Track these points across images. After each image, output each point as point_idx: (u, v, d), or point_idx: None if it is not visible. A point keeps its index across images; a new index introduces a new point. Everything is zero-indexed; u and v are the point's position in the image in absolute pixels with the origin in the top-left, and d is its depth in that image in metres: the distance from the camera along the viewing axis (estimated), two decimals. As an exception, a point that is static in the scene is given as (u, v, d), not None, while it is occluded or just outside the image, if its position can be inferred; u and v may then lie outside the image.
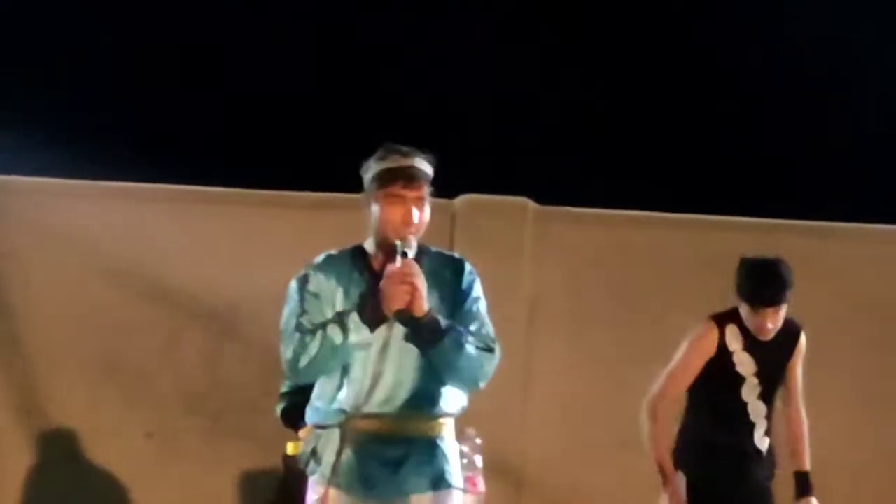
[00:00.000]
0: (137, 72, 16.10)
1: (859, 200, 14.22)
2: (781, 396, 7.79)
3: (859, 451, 11.63)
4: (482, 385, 6.59)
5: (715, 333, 7.40)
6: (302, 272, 6.77)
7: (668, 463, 7.68)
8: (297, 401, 8.44)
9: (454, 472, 6.58)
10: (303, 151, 14.39)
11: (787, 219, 12.17)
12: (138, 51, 16.48)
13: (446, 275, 6.62)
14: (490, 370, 6.54)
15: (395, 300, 6.33)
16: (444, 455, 6.57)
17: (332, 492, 6.59)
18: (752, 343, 7.46)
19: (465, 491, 7.21)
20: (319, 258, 6.79)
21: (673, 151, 15.36)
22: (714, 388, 7.46)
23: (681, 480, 7.66)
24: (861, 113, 16.79)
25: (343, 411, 6.59)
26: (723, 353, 7.39)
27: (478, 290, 6.62)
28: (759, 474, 7.48)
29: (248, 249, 12.02)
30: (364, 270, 6.60)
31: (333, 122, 15.43)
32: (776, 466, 7.67)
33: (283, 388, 8.90)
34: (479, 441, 8.23)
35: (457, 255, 6.79)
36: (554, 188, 12.87)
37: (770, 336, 7.49)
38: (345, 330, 6.45)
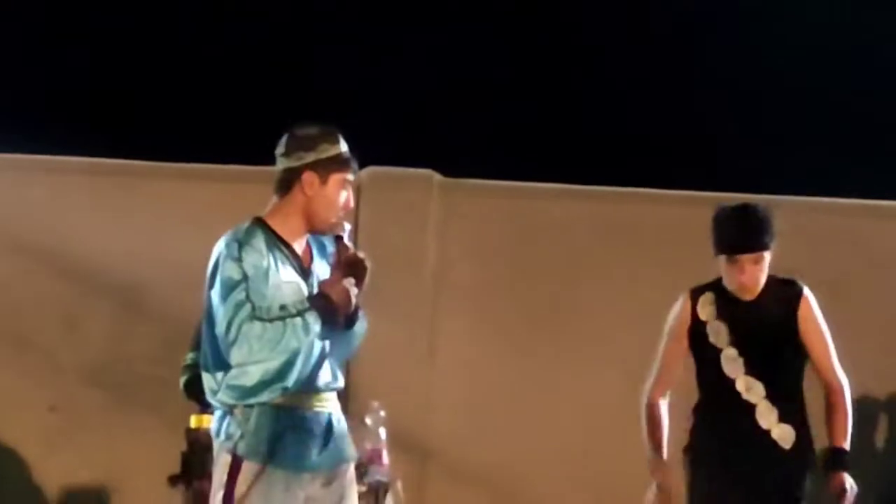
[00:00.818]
0: (44, 41, 15.86)
1: (762, 173, 13.95)
2: (813, 364, 6.81)
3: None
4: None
5: (688, 304, 6.63)
6: (232, 250, 6.56)
7: (658, 455, 6.94)
8: (200, 373, 8.40)
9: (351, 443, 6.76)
10: (212, 125, 14.35)
11: (692, 190, 12.23)
12: (47, 19, 16.22)
13: (329, 248, 6.69)
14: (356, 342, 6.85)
15: (346, 303, 6.44)
16: (345, 428, 6.69)
17: (261, 467, 6.52)
18: (730, 310, 6.56)
19: (369, 464, 7.27)
20: (242, 234, 6.59)
21: (575, 123, 15.39)
22: (699, 365, 6.65)
23: (669, 475, 6.92)
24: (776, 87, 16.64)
25: (281, 389, 6.54)
26: (697, 324, 6.55)
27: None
28: (779, 467, 6.41)
29: (155, 223, 11.99)
30: (282, 245, 6.55)
31: (240, 97, 15.38)
32: (810, 461, 6.61)
33: (187, 361, 8.85)
34: (383, 414, 8.21)
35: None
36: (459, 160, 12.87)
37: (752, 292, 6.65)
38: (306, 327, 6.46)
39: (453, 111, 14.77)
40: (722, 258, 6.64)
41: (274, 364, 6.50)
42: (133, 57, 15.91)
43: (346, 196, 6.54)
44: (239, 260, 6.51)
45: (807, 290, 6.73)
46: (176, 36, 16.22)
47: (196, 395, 8.67)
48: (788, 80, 15.61)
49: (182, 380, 8.65)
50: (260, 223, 6.60)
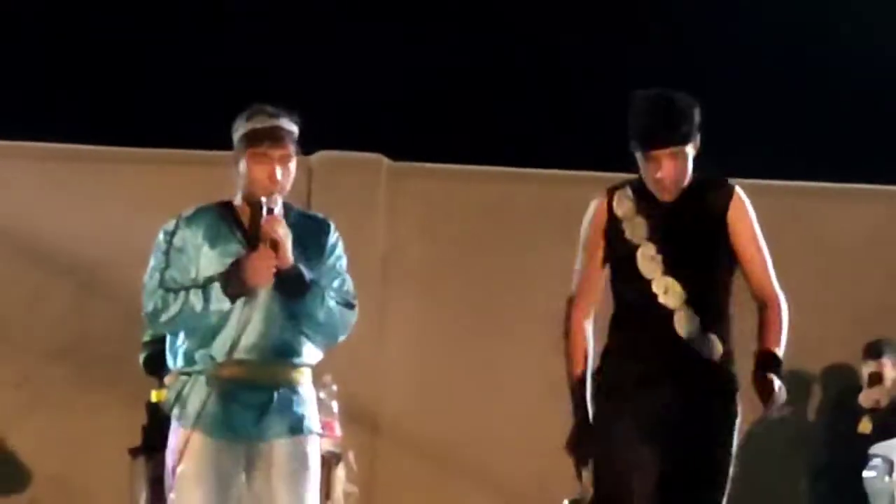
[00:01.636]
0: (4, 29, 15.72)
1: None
2: (743, 273, 5.79)
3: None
4: (341, 338, 6.66)
5: (603, 203, 5.63)
6: (170, 224, 6.71)
7: (581, 391, 5.95)
8: (159, 349, 8.45)
9: (312, 418, 6.60)
10: (165, 109, 14.32)
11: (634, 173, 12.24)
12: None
13: (310, 233, 6.64)
14: (349, 324, 6.62)
15: (259, 276, 6.39)
16: (303, 402, 6.58)
17: (196, 436, 6.55)
18: (650, 207, 5.57)
19: (322, 436, 7.28)
20: (188, 211, 6.74)
21: (520, 108, 15.35)
22: (614, 268, 5.64)
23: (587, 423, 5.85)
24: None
25: (209, 357, 6.58)
26: (613, 221, 5.59)
27: (340, 249, 6.66)
28: (701, 379, 5.39)
29: (113, 205, 12.01)
30: (233, 224, 6.60)
31: (196, 81, 15.27)
32: (733, 375, 5.51)
33: (145, 338, 8.94)
34: (335, 388, 8.28)
35: (321, 215, 6.83)
36: (407, 144, 12.92)
37: (671, 191, 5.63)
38: (207, 299, 6.46)
39: (402, 97, 14.83)
40: (638, 156, 5.72)
41: (197, 332, 6.59)
42: (85, 43, 15.75)
43: (267, 169, 6.52)
44: (170, 234, 6.66)
45: (739, 190, 5.80)
46: (131, 21, 16.12)
47: (155, 370, 8.78)
48: (730, 71, 15.53)
49: (141, 356, 8.75)
50: (218, 204, 6.67)
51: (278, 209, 6.47)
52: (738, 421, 5.58)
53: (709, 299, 5.44)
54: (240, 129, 6.64)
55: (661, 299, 5.31)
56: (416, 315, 11.47)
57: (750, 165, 12.10)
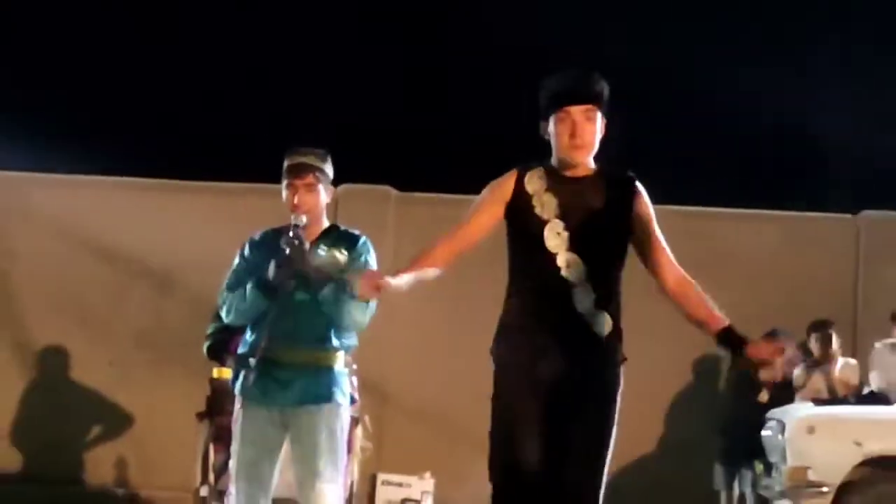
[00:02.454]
0: (109, 80, 15.61)
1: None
2: (652, 263, 5.04)
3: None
4: (361, 326, 6.65)
5: (513, 176, 4.89)
6: (245, 243, 6.87)
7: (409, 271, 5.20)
8: (219, 338, 8.57)
9: (339, 391, 6.61)
10: (224, 148, 14.26)
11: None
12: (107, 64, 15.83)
13: (346, 244, 6.60)
14: (364, 316, 6.58)
15: (284, 273, 6.50)
16: (332, 378, 6.61)
17: (245, 403, 6.69)
18: (558, 185, 4.85)
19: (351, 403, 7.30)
20: (258, 233, 6.85)
21: (501, 147, 15.17)
22: (521, 241, 4.91)
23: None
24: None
25: (256, 342, 6.64)
26: (522, 196, 4.84)
27: (365, 255, 6.64)
28: (591, 352, 4.80)
29: (183, 225, 12.08)
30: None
31: (243, 125, 15.05)
32: (619, 351, 4.88)
33: (209, 330, 8.94)
34: (355, 367, 8.25)
35: (357, 232, 6.78)
36: (411, 177, 12.93)
37: (581, 156, 4.88)
38: (260, 288, 6.57)
39: (408, 137, 14.79)
40: (552, 122, 4.90)
41: (250, 323, 6.72)
42: (170, 96, 15.66)
43: (293, 195, 6.56)
44: (241, 250, 6.80)
45: (640, 184, 5.05)
46: (208, 79, 15.93)
47: (215, 355, 8.83)
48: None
49: (205, 344, 8.80)
50: (281, 227, 6.66)
51: (304, 223, 6.51)
52: (620, 391, 4.91)
53: (604, 278, 4.81)
54: (284, 165, 6.68)
55: (564, 273, 4.72)
56: (418, 312, 11.41)
57: (671, 192, 12.05)
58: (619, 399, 4.89)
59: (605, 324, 4.80)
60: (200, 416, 9.45)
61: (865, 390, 11.20)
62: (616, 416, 4.89)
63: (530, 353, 4.81)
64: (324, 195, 6.66)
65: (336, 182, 6.72)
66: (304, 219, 6.54)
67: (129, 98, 15.60)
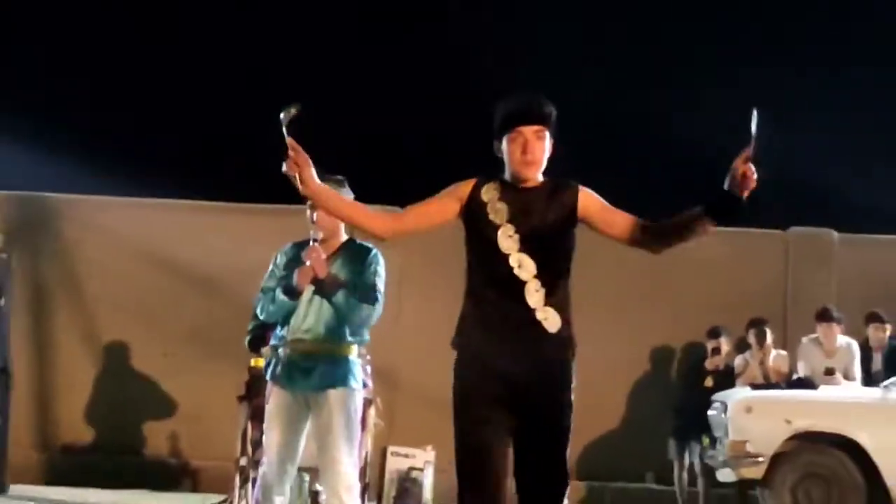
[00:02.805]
0: (170, 117, 15.45)
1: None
2: (622, 231, 4.72)
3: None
4: (368, 323, 6.68)
5: (472, 183, 4.66)
6: (277, 253, 6.91)
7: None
8: (257, 333, 8.50)
9: (352, 377, 6.63)
10: (264, 175, 14.11)
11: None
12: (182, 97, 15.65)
13: (359, 254, 6.67)
14: (370, 315, 6.62)
15: (302, 279, 6.57)
16: (347, 366, 6.63)
17: (275, 388, 6.74)
18: (511, 195, 4.60)
19: (364, 387, 7.30)
20: (288, 245, 6.89)
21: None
22: (476, 243, 4.62)
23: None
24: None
25: (283, 336, 6.73)
26: (477, 204, 4.59)
27: (374, 265, 6.65)
28: (542, 348, 4.55)
29: (228, 240, 12.12)
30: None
31: (279, 156, 14.77)
32: (570, 347, 4.61)
33: (249, 326, 8.90)
34: (368, 357, 8.24)
35: (368, 244, 6.72)
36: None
37: (533, 168, 4.62)
38: (275, 298, 6.68)
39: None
40: (505, 141, 4.65)
41: (279, 321, 6.78)
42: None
43: (314, 216, 6.54)
44: (275, 259, 6.86)
45: (582, 186, 4.69)
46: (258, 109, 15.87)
47: (254, 347, 8.79)
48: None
49: (246, 339, 8.76)
50: (305, 240, 6.75)
51: (320, 238, 6.60)
52: (573, 384, 4.62)
53: (553, 276, 4.56)
54: None
55: (516, 272, 4.50)
56: (421, 307, 11.46)
57: (630, 210, 11.96)
58: (571, 387, 4.60)
59: (554, 319, 4.54)
60: (240, 399, 9.43)
61: (794, 377, 11.20)
62: (570, 403, 4.59)
63: (487, 346, 4.56)
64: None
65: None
66: (319, 234, 6.59)
67: (186, 132, 15.52)
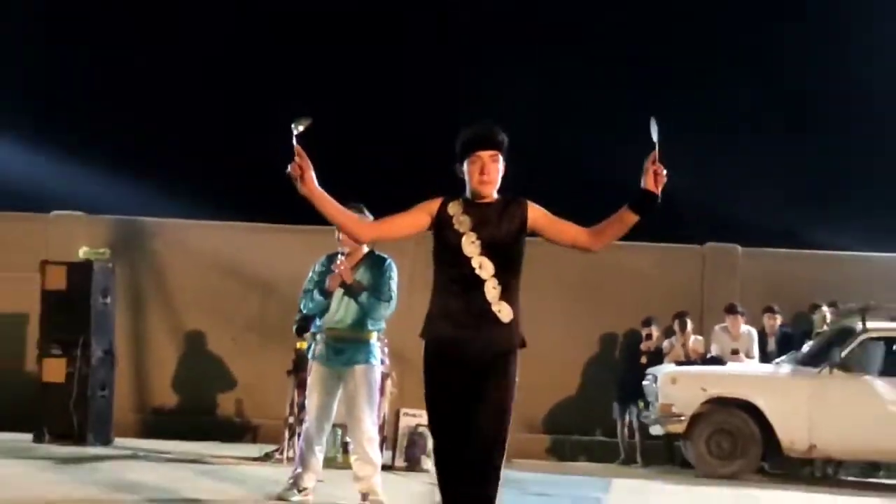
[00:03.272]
0: (243, 152, 14.66)
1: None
2: (567, 239, 4.38)
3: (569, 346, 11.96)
4: (385, 316, 6.72)
5: (440, 200, 4.34)
6: (320, 260, 6.93)
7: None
8: (301, 324, 8.57)
9: (373, 357, 6.71)
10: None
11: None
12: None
13: (378, 264, 6.70)
14: (386, 310, 6.67)
15: (332, 284, 6.62)
16: (369, 348, 6.71)
17: (315, 364, 6.81)
18: (473, 209, 4.28)
19: (382, 364, 7.38)
20: (323, 257, 6.92)
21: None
22: (443, 248, 4.30)
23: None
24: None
25: (320, 325, 6.82)
26: (444, 217, 4.26)
27: (389, 272, 6.68)
28: (495, 334, 4.24)
29: (279, 253, 11.97)
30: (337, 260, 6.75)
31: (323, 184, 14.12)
32: (518, 335, 4.29)
33: (295, 318, 8.95)
34: (385, 340, 8.24)
35: (385, 255, 6.77)
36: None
37: (489, 187, 4.33)
38: (314, 297, 6.76)
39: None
40: (466, 164, 4.36)
41: (318, 314, 6.84)
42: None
43: (340, 236, 6.51)
44: (315, 266, 6.90)
45: (529, 201, 4.38)
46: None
47: (300, 334, 8.85)
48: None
49: (294, 327, 8.84)
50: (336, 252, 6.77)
51: (346, 252, 6.66)
52: (517, 364, 4.30)
53: (508, 276, 4.25)
54: None
55: (478, 272, 4.18)
56: (427, 300, 11.47)
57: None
58: (516, 365, 4.28)
59: (507, 311, 4.22)
60: (288, 373, 9.53)
61: (708, 356, 11.22)
62: (515, 377, 4.27)
63: (451, 331, 4.26)
64: None
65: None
66: (346, 249, 6.67)
67: (248, 168, 14.44)
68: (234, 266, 12.42)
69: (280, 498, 6.78)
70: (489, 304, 4.19)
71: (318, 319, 6.93)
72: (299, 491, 6.79)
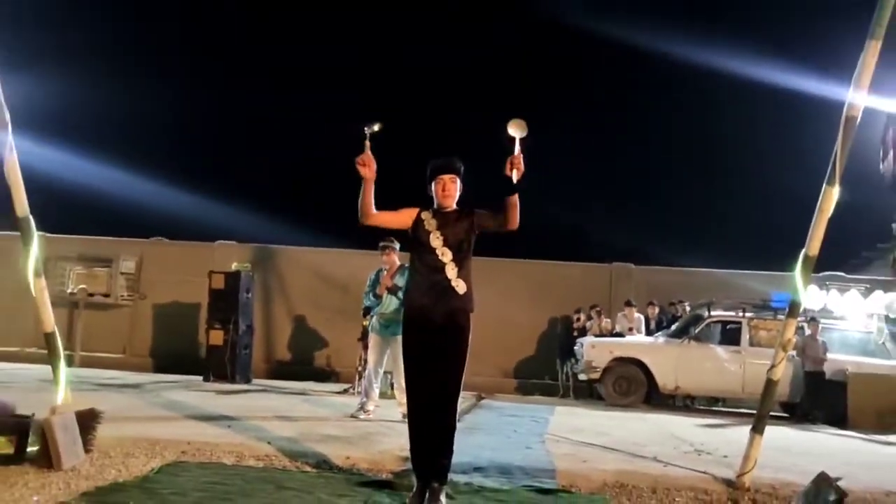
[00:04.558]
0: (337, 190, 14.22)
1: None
2: (495, 224, 3.85)
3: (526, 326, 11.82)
4: None
5: (417, 209, 3.92)
6: (373, 272, 6.82)
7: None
8: (365, 311, 8.37)
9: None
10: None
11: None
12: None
13: (405, 272, 6.43)
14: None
15: (380, 289, 6.54)
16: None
17: (372, 334, 6.74)
18: (439, 217, 3.87)
19: None
20: (374, 272, 6.83)
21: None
22: (416, 244, 3.86)
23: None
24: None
25: (377, 311, 6.72)
26: (418, 220, 3.87)
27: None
28: (454, 302, 3.80)
29: (354, 266, 11.66)
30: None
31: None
32: (470, 303, 3.81)
33: (362, 305, 8.89)
34: None
35: (406, 265, 6.56)
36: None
37: (449, 202, 3.92)
38: (374, 296, 6.65)
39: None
40: (433, 184, 3.93)
41: (375, 305, 6.68)
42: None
43: (384, 258, 6.44)
44: (372, 275, 6.72)
45: (476, 209, 3.91)
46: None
47: (364, 315, 8.73)
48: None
49: (361, 312, 8.79)
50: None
51: (387, 268, 6.54)
52: (470, 325, 3.84)
53: (461, 261, 3.82)
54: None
55: (440, 258, 3.80)
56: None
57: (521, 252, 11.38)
58: (469, 325, 3.83)
59: (462, 286, 3.81)
60: (358, 340, 9.36)
61: (613, 332, 11.05)
62: (468, 332, 3.82)
63: (421, 299, 3.84)
64: (396, 259, 6.57)
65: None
66: (387, 266, 6.57)
67: (341, 207, 14.23)
68: (325, 274, 12.26)
69: (353, 416, 6.68)
70: (449, 281, 3.81)
71: (374, 310, 6.86)
72: (364, 412, 6.72)
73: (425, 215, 3.95)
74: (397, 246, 6.59)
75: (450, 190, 3.96)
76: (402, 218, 3.96)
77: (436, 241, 3.87)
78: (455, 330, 3.81)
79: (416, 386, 3.84)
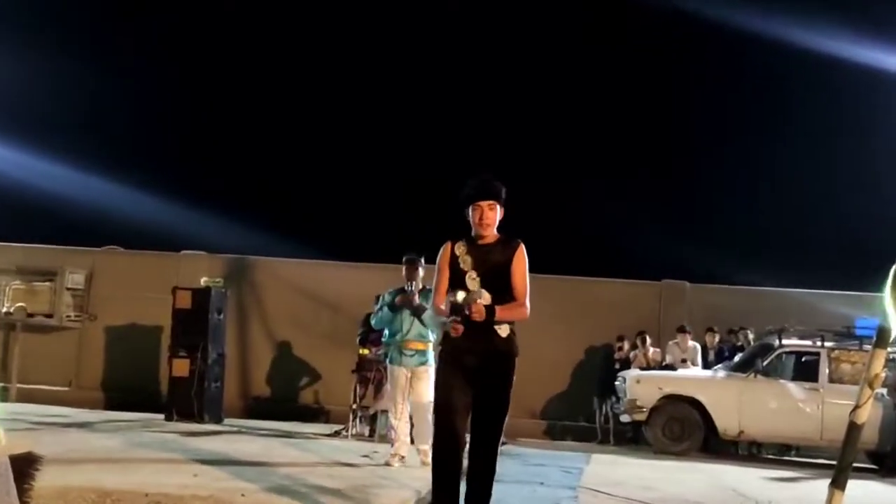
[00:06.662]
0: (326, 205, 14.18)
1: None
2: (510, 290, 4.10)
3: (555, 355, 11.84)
4: (439, 331, 6.67)
5: (449, 246, 4.06)
6: (385, 293, 6.98)
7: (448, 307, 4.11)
8: (363, 337, 8.68)
9: (430, 360, 6.71)
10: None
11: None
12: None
13: (429, 294, 6.69)
14: (439, 329, 6.59)
15: (400, 302, 6.70)
16: (427, 354, 6.76)
17: (391, 365, 6.89)
18: (474, 250, 4.03)
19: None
20: (392, 289, 6.97)
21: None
22: (453, 281, 4.00)
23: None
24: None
25: (394, 337, 6.85)
26: (453, 257, 4.02)
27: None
28: (494, 346, 3.99)
29: (348, 283, 11.94)
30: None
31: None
32: (513, 344, 4.07)
33: (359, 331, 9.03)
34: (440, 347, 8.14)
35: (429, 286, 6.64)
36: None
37: (487, 231, 4.09)
38: (389, 309, 6.77)
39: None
40: (470, 210, 4.09)
41: (390, 329, 6.83)
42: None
43: (407, 274, 6.66)
44: (385, 295, 6.86)
45: (522, 246, 4.10)
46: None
47: (361, 343, 8.93)
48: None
49: (357, 338, 8.91)
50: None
51: (414, 286, 6.68)
52: (514, 374, 4.06)
53: (502, 301, 3.98)
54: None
55: (479, 302, 3.94)
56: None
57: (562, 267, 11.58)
58: (512, 375, 4.04)
59: (504, 328, 4.01)
60: (353, 371, 9.46)
61: (663, 364, 11.11)
62: (511, 385, 4.05)
63: (462, 342, 3.97)
64: (421, 272, 6.76)
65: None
66: (411, 285, 6.75)
67: (331, 219, 14.53)
68: (311, 292, 12.30)
69: (387, 464, 6.71)
70: (491, 324, 3.96)
71: (387, 334, 6.97)
72: (400, 458, 6.82)
73: (459, 250, 4.05)
74: (423, 260, 6.75)
75: (489, 219, 4.05)
76: (446, 276, 4.07)
77: (471, 281, 3.98)
78: (496, 376, 3.96)
79: (445, 428, 3.96)
